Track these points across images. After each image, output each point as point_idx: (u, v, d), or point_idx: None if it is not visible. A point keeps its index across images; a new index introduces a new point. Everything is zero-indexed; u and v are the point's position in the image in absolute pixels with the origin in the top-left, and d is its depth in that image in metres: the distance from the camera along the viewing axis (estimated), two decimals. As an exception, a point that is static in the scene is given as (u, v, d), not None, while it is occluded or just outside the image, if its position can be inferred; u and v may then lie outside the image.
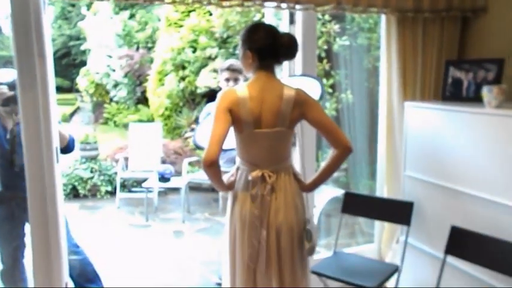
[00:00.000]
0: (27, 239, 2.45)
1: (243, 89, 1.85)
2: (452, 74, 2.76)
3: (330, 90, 4.50)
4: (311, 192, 2.11)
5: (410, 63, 2.78)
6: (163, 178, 4.88)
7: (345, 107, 4.38)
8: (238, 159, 1.97)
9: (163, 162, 5.42)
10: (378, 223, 3.21)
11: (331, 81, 4.50)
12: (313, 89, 2.27)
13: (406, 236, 2.58)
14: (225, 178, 1.96)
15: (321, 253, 3.19)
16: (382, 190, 3.07)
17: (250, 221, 1.89)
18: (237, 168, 1.97)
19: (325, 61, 4.52)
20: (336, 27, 4.48)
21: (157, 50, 7.46)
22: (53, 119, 2.23)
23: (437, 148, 2.56)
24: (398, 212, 2.64)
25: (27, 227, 2.39)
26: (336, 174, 4.26)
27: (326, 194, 4.03)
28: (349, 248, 3.28)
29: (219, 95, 1.89)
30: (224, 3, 2.25)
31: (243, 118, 1.82)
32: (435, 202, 2.59)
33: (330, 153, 1.91)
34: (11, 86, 2.23)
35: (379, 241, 3.18)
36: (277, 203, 1.89)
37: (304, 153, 2.73)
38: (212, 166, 1.77)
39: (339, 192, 3.79)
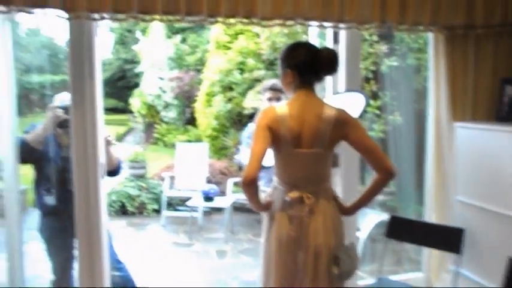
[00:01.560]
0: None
1: (282, 107, 1.83)
2: (509, 92, 2.61)
3: (378, 112, 4.39)
4: (351, 216, 2.02)
5: (460, 82, 2.67)
6: (207, 197, 4.92)
7: (392, 129, 4.25)
8: (275, 179, 1.94)
9: (209, 181, 5.46)
10: (426, 250, 3.04)
11: (378, 102, 4.39)
12: (358, 103, 2.21)
13: (457, 266, 2.42)
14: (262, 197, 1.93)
15: (365, 280, 3.06)
16: (431, 215, 2.91)
17: (286, 243, 1.84)
18: (274, 188, 1.94)
19: (372, 82, 4.43)
20: (384, 47, 4.40)
21: (206, 72, 7.65)
22: (99, 136, 2.32)
23: (491, 171, 2.40)
24: (447, 238, 2.48)
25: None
26: (382, 198, 4.11)
27: (372, 218, 3.89)
28: (396, 276, 3.12)
29: (259, 113, 1.88)
30: (266, 23, 2.26)
31: (281, 136, 1.80)
32: (490, 230, 2.42)
33: (372, 176, 1.83)
34: (67, 110, 2.36)
35: (428, 269, 3.00)
36: (316, 225, 1.83)
37: (346, 175, 2.65)
38: (252, 184, 1.75)
39: (386, 216, 3.64)
